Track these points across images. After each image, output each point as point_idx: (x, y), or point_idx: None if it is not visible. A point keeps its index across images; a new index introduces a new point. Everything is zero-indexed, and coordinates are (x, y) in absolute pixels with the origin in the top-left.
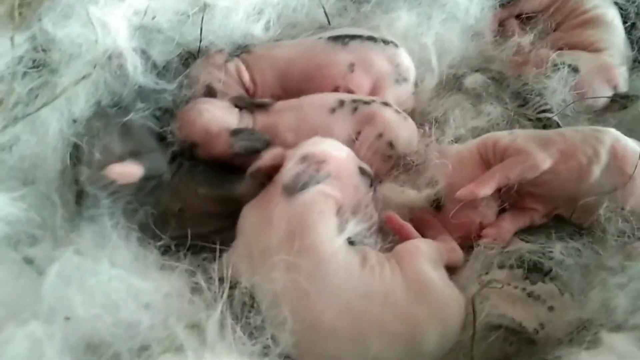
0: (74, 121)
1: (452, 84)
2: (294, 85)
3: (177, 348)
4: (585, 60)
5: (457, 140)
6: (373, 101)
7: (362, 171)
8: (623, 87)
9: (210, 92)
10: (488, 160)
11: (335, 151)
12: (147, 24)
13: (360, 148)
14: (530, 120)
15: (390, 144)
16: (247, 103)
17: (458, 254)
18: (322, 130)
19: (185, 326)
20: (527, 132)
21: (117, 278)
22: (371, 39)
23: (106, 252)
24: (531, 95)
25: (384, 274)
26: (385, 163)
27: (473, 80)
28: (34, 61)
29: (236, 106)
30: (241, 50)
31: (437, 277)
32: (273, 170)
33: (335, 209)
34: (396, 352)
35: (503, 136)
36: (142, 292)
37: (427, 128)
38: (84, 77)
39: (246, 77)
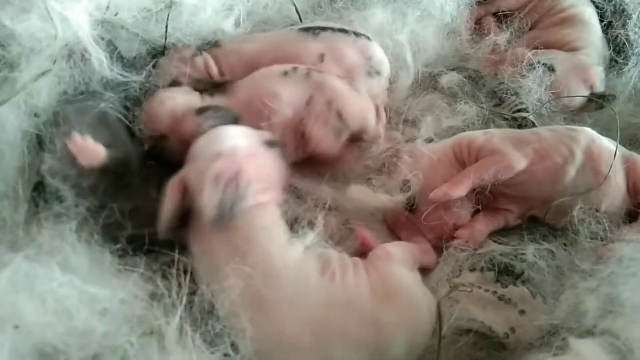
0: (36, 115)
1: (427, 82)
2: None
3: (132, 356)
4: (562, 59)
5: (432, 139)
6: (329, 74)
7: (268, 145)
8: (599, 87)
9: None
10: (462, 160)
11: (237, 146)
12: (110, 19)
13: (310, 114)
14: (505, 119)
15: (339, 115)
16: (206, 84)
17: (431, 256)
18: (271, 92)
19: (142, 334)
20: (502, 132)
21: (69, 284)
22: (343, 30)
23: (59, 257)
24: (507, 94)
25: (347, 279)
26: (337, 138)
27: (449, 79)
28: None
29: (196, 90)
30: (211, 44)
31: (407, 280)
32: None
33: (276, 209)
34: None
35: (478, 136)
36: (97, 298)
37: (401, 127)
38: (43, 73)
39: (214, 71)
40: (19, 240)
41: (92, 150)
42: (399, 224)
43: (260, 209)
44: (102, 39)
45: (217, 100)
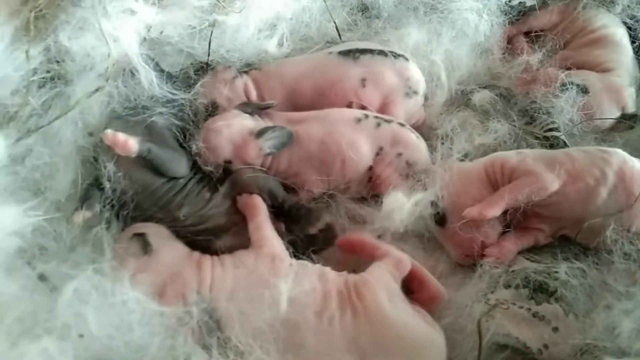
0: (90, 134)
1: (460, 100)
2: (305, 102)
3: None
4: (594, 80)
5: (465, 156)
6: (392, 121)
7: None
8: (631, 108)
9: (214, 109)
10: (495, 179)
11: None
12: (157, 37)
13: (380, 164)
14: (537, 138)
15: (408, 163)
16: (253, 107)
17: (405, 262)
18: (349, 140)
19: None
20: (534, 153)
21: (134, 300)
22: (381, 53)
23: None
24: (539, 113)
25: (345, 320)
26: (402, 178)
27: (481, 97)
28: (48, 72)
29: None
30: (251, 67)
31: (399, 313)
32: None
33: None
34: None
35: (511, 156)
36: (156, 316)
37: (435, 143)
38: (97, 89)
39: (254, 94)
40: (86, 252)
41: (123, 140)
42: (353, 245)
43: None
44: (151, 58)
45: (267, 121)
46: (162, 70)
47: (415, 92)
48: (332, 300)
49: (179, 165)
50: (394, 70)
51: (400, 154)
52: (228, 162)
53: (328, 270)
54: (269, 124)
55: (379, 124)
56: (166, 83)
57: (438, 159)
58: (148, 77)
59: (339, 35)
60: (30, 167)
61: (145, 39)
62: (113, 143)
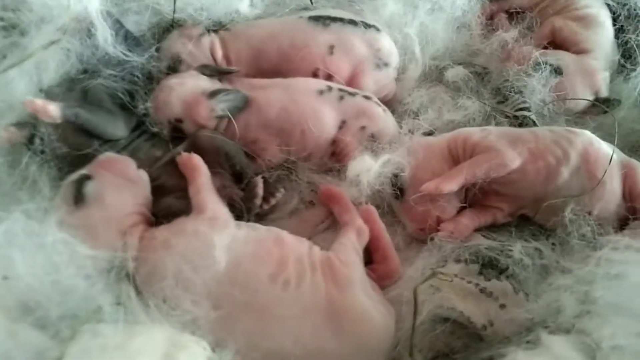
0: (40, 90)
1: (433, 75)
2: (270, 66)
3: (100, 320)
4: (569, 61)
5: (432, 132)
6: (357, 94)
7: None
8: (604, 92)
9: (175, 64)
10: (457, 155)
11: None
12: None
13: (343, 136)
14: (507, 117)
15: (373, 136)
16: (213, 70)
17: (366, 234)
18: (311, 111)
19: (117, 296)
20: (499, 130)
21: (62, 242)
22: (352, 22)
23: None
24: (511, 92)
25: (302, 289)
26: (366, 150)
27: (454, 73)
28: (1, 20)
29: (203, 74)
30: (221, 27)
31: (363, 293)
32: None
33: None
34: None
35: (474, 132)
36: (86, 259)
37: (404, 117)
38: (53, 42)
39: (219, 54)
40: (19, 195)
41: (42, 106)
42: (332, 197)
43: None
44: (111, 15)
45: (225, 85)
46: (121, 27)
47: (386, 64)
48: (289, 265)
49: (115, 127)
50: (364, 40)
51: (364, 127)
52: (179, 120)
53: (286, 234)
54: (227, 87)
55: (342, 97)
56: (125, 41)
57: (405, 133)
58: (104, 35)
59: (311, 1)
60: None
61: None
62: (34, 110)
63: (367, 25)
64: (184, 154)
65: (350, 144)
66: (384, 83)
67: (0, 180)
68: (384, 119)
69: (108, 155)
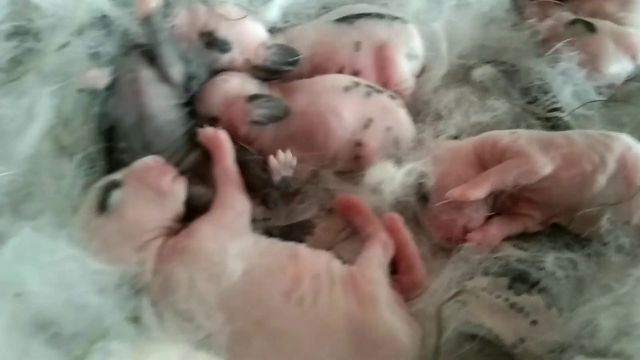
0: None
1: (459, 75)
2: (302, 74)
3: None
4: (604, 23)
5: (459, 135)
6: (383, 92)
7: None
8: None
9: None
10: (485, 160)
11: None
12: None
13: (367, 137)
14: (538, 118)
15: (396, 141)
16: (266, 72)
17: (391, 247)
18: (332, 109)
19: (130, 313)
20: (530, 133)
21: (73, 259)
22: (378, 15)
23: (66, 230)
24: (540, 92)
25: (318, 305)
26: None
27: (482, 72)
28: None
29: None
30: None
31: (389, 310)
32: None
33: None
34: None
35: (503, 136)
36: (98, 274)
37: (427, 119)
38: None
39: None
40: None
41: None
42: (352, 207)
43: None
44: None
45: (274, 89)
46: None
47: (415, 57)
48: (304, 282)
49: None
50: (391, 32)
51: (389, 129)
52: (215, 119)
53: (302, 249)
54: (271, 95)
55: (369, 93)
56: None
57: (429, 136)
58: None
59: None
60: None
61: None
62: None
63: (394, 18)
64: (209, 129)
65: (373, 147)
66: (412, 74)
67: (11, 195)
68: (406, 122)
69: (145, 162)
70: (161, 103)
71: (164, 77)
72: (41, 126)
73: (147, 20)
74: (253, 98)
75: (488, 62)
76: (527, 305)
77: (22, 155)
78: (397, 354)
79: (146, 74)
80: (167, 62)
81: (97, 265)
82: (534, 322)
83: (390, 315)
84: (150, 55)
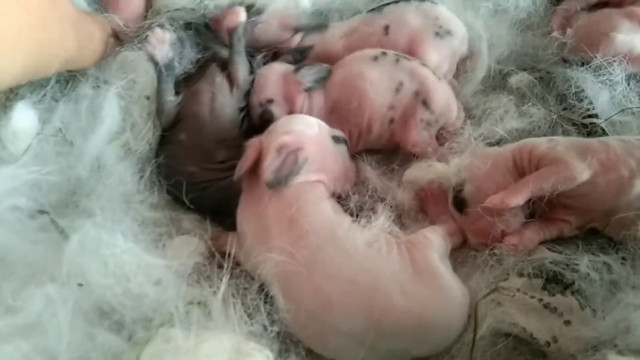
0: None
1: (497, 80)
2: None
3: (177, 322)
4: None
5: (497, 142)
6: (413, 60)
7: (335, 140)
8: None
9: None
10: (522, 167)
11: (307, 130)
12: None
13: (399, 102)
14: (574, 125)
15: (425, 103)
16: (295, 53)
17: (458, 238)
18: (364, 76)
19: (188, 303)
20: (567, 140)
21: (130, 252)
22: (405, 0)
23: (122, 225)
24: (575, 99)
25: (392, 255)
26: (425, 132)
27: (519, 79)
28: None
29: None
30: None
31: (444, 269)
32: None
33: (325, 191)
34: (403, 327)
35: (541, 143)
36: (152, 267)
37: (465, 124)
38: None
39: None
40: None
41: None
42: (428, 198)
43: (309, 185)
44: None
45: None
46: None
47: (448, 32)
48: (380, 235)
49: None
50: (418, 13)
51: (417, 93)
52: (270, 100)
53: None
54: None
55: (398, 60)
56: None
57: (466, 140)
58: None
59: None
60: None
61: None
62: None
63: (422, 0)
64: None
65: (405, 113)
66: (447, 54)
67: (75, 193)
68: (437, 87)
69: None
70: (227, 104)
71: (233, 83)
72: (108, 128)
73: (234, 31)
74: (299, 68)
75: (524, 69)
76: (561, 305)
77: (88, 155)
78: (447, 292)
79: (219, 80)
80: (238, 70)
81: (150, 259)
82: (567, 322)
83: (447, 272)
84: (224, 63)
